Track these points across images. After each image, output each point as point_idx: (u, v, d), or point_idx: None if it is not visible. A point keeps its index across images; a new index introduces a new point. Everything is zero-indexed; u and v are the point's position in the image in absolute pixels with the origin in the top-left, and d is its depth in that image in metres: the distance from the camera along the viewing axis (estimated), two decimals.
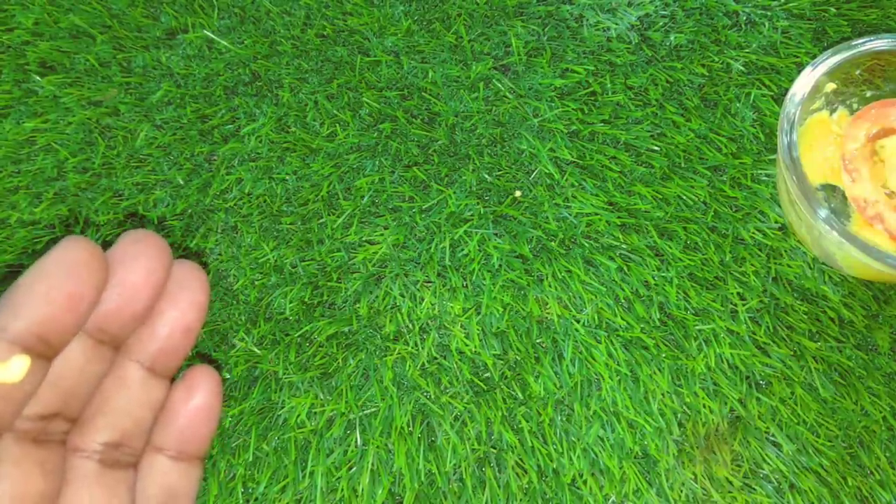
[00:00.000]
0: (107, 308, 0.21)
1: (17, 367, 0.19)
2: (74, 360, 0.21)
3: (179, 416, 0.23)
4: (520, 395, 0.48)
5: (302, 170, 0.53)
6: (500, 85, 0.54)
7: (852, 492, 0.47)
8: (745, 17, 0.55)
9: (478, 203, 0.52)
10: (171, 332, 0.22)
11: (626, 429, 0.48)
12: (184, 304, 0.22)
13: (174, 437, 0.24)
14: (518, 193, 0.52)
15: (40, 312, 0.19)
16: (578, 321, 0.49)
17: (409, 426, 0.48)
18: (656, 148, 0.52)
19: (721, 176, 0.52)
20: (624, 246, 0.51)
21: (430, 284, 0.51)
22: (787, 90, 0.46)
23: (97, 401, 0.22)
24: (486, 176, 0.52)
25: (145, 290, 0.21)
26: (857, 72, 0.47)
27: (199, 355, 0.51)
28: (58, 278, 0.19)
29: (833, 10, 0.54)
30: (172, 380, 0.24)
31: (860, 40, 0.46)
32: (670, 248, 0.50)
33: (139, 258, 0.21)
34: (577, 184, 0.52)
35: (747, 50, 0.54)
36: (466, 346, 0.49)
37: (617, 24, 0.55)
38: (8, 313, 0.19)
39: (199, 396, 0.23)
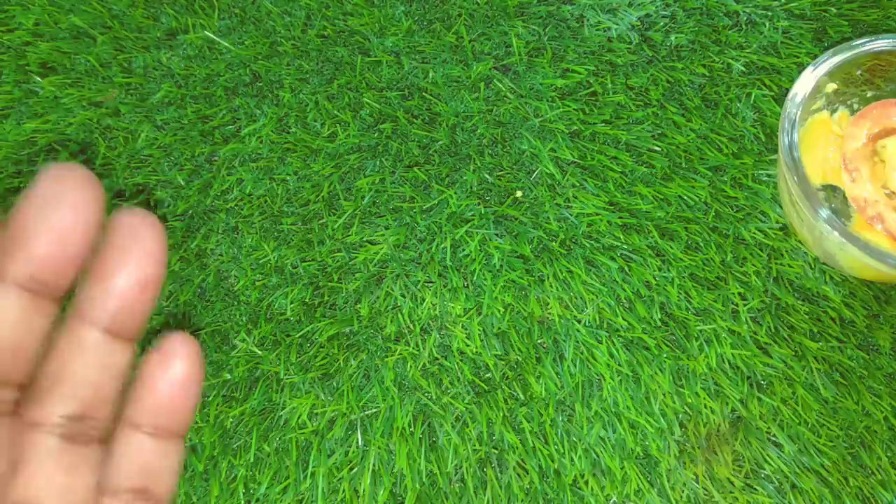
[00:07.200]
0: (36, 253, 0.19)
1: None
2: (8, 315, 0.19)
3: (156, 389, 0.22)
4: (521, 395, 0.48)
5: (303, 170, 0.53)
6: (500, 85, 0.54)
7: (854, 492, 0.47)
8: (745, 18, 0.55)
9: (479, 203, 0.52)
10: (125, 287, 0.20)
11: (628, 429, 0.48)
12: (137, 256, 0.20)
13: (151, 412, 0.22)
14: (519, 193, 0.52)
15: None
16: (580, 321, 0.49)
17: (410, 427, 0.48)
18: (657, 148, 0.52)
19: (722, 176, 0.52)
20: (625, 246, 0.51)
21: (431, 285, 0.51)
22: (787, 90, 0.46)
23: (53, 369, 0.21)
24: (487, 176, 0.52)
25: (76, 231, 0.19)
26: (858, 72, 0.47)
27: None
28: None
29: (834, 10, 0.54)
30: (143, 348, 0.23)
31: (861, 41, 0.46)
32: (671, 248, 0.50)
33: (65, 197, 0.19)
34: (578, 184, 0.52)
35: (748, 50, 0.54)
36: (467, 346, 0.49)
37: (617, 24, 0.55)
38: None
39: (178, 366, 0.22)
